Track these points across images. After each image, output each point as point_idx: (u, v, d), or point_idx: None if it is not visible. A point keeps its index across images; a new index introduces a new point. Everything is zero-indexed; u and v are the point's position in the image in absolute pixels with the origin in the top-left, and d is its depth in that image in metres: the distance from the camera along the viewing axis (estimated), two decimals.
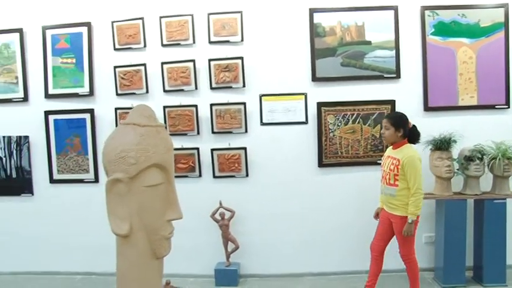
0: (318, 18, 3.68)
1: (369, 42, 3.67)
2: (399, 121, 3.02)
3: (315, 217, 3.82)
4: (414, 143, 3.10)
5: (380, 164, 3.41)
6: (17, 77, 4.07)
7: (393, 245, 3.23)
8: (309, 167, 3.78)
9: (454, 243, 3.49)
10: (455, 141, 3.49)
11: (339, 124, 3.70)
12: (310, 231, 3.85)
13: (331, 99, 3.71)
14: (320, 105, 3.70)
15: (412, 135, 3.07)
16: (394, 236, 3.15)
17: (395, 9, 3.66)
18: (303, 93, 3.74)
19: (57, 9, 4.00)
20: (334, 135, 3.71)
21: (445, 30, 3.68)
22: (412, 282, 3.17)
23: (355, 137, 3.71)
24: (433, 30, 3.68)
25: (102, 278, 3.93)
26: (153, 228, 1.78)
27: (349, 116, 3.70)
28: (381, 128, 3.18)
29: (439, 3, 3.72)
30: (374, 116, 3.68)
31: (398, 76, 3.68)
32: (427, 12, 3.67)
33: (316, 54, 3.68)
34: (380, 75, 3.67)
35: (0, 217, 4.17)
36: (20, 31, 4.04)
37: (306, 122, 3.75)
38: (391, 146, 3.13)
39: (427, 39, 3.67)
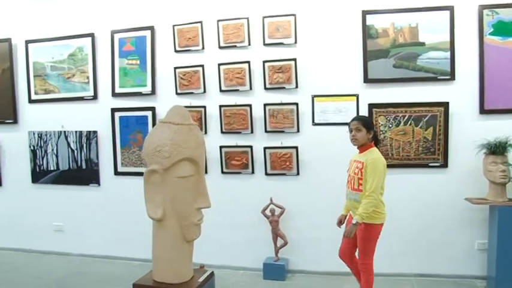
0: (370, 20, 4.00)
1: (423, 44, 3.93)
2: (369, 123, 3.22)
3: None
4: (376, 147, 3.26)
5: (432, 166, 3.85)
6: (88, 77, 4.85)
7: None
8: None
9: (507, 251, 3.61)
10: (511, 146, 3.71)
11: (390, 126, 4.01)
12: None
13: (382, 100, 4.01)
14: (371, 106, 4.02)
15: (376, 140, 3.28)
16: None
17: (451, 9, 3.87)
18: (354, 95, 4.09)
19: (124, 15, 4.66)
20: (385, 137, 4.02)
21: (505, 29, 3.83)
22: None
23: (406, 138, 4.00)
24: (491, 30, 3.84)
25: None
26: (184, 215, 2.19)
27: (400, 118, 3.99)
28: (351, 132, 3.23)
29: (499, 1, 3.85)
30: (426, 118, 3.93)
31: (452, 78, 3.90)
32: (485, 11, 3.84)
33: (368, 55, 4.00)
34: (433, 76, 3.91)
35: (70, 204, 5.00)
36: (92, 35, 4.79)
37: None
38: (358, 151, 3.26)
39: (484, 40, 3.85)
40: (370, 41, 4.05)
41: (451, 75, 3.95)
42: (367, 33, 4.05)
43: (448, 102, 3.96)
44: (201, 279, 2.38)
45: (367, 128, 3.17)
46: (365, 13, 4.06)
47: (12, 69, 5.16)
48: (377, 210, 3.11)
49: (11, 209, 5.28)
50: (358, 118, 3.30)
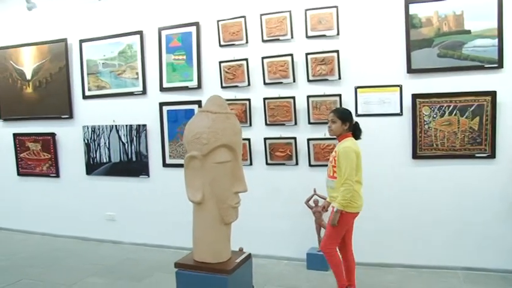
0: (413, 9, 4.14)
1: (468, 32, 4.04)
2: (345, 115, 3.53)
3: (408, 208, 4.31)
4: (357, 139, 3.62)
5: (478, 157, 4.08)
6: (137, 73, 5.31)
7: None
8: (403, 159, 4.30)
9: None
10: None
11: (435, 116, 4.16)
12: (402, 222, 4.34)
13: (426, 90, 4.15)
14: (415, 96, 4.18)
15: (356, 131, 3.61)
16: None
17: None
18: (398, 85, 4.26)
19: (170, 12, 5.05)
20: (429, 127, 4.18)
21: None
22: (335, 275, 3.60)
23: (451, 129, 4.12)
24: None
25: None
26: (222, 198, 2.44)
27: (445, 108, 4.12)
28: (329, 123, 3.60)
29: None
30: (472, 108, 4.04)
31: (500, 66, 3.97)
32: None
33: (411, 45, 4.16)
34: (480, 65, 4.00)
35: (122, 195, 5.52)
36: (140, 33, 5.24)
37: (400, 114, 4.27)
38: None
39: None
40: (414, 30, 4.25)
41: (498, 63, 4.02)
42: (410, 22, 4.23)
43: (495, 91, 4.04)
44: (238, 260, 2.62)
45: (341, 120, 3.52)
46: (408, 2, 4.20)
47: (67, 68, 5.78)
48: (350, 199, 3.41)
49: (68, 199, 5.90)
50: (334, 110, 3.66)
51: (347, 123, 3.55)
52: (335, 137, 3.65)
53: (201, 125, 2.42)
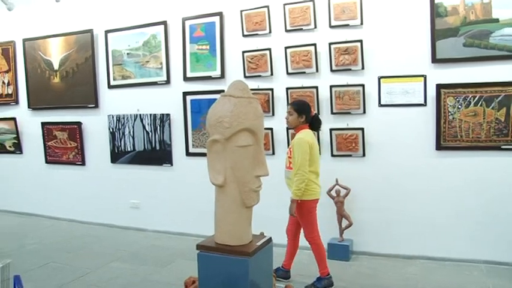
0: None
1: (496, 20, 4.00)
2: (302, 108, 3.72)
3: (431, 199, 4.34)
4: (316, 131, 3.90)
5: (504, 149, 4.08)
6: (161, 63, 5.46)
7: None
8: (427, 150, 4.32)
9: None
10: None
11: (459, 107, 4.16)
12: (425, 214, 4.37)
13: (451, 81, 4.15)
14: (440, 87, 4.18)
15: (314, 123, 3.80)
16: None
17: None
18: (422, 75, 4.27)
19: (194, 2, 5.16)
20: (453, 118, 4.18)
21: None
22: (318, 263, 3.80)
23: (476, 120, 4.11)
24: None
25: None
26: (243, 182, 2.51)
27: (470, 99, 4.11)
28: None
29: None
30: (499, 99, 4.02)
31: None
32: None
33: (436, 35, 4.15)
34: (508, 54, 3.97)
35: (145, 183, 5.68)
36: (164, 23, 5.35)
37: (424, 104, 4.29)
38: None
39: None
40: (439, 19, 4.25)
41: None
42: (436, 11, 4.21)
43: None
44: (259, 243, 2.70)
45: (298, 112, 3.71)
46: None
47: (93, 58, 5.97)
48: (307, 188, 3.60)
49: (94, 186, 6.12)
50: (292, 103, 3.88)
51: (303, 116, 3.72)
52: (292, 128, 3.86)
53: (224, 109, 2.51)
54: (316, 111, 4.09)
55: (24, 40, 6.44)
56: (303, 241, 3.91)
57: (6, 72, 6.65)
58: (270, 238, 2.82)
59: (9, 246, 5.23)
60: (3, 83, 6.64)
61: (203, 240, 2.79)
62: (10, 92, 6.66)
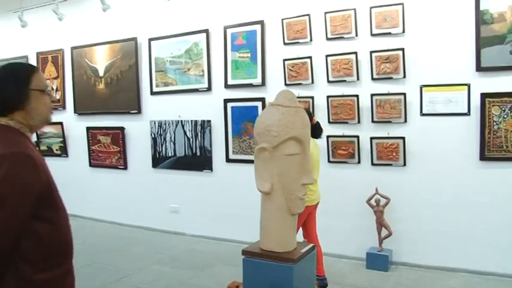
0: (485, 4, 4.10)
1: None
2: None
3: (474, 211, 4.29)
4: (317, 138, 4.02)
5: None
6: (203, 70, 5.63)
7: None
8: (470, 160, 4.29)
9: None
10: None
11: (505, 116, 4.10)
12: (467, 225, 4.32)
13: (497, 89, 4.11)
14: (484, 96, 4.14)
15: (315, 131, 3.88)
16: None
17: None
18: (465, 84, 4.25)
19: (235, 11, 5.32)
20: (499, 128, 4.14)
21: None
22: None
23: None
24: None
25: None
26: (289, 189, 2.58)
27: None
28: None
29: None
30: None
31: None
32: None
33: (481, 42, 4.13)
34: None
35: (185, 188, 5.86)
36: (206, 31, 5.54)
37: (468, 114, 4.26)
38: None
39: None
40: (484, 26, 4.21)
41: None
42: (481, 18, 4.18)
43: None
44: (303, 250, 2.74)
45: None
46: None
47: (137, 65, 6.23)
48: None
49: (135, 190, 6.35)
50: None
51: None
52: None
53: (272, 118, 2.59)
54: (317, 120, 4.18)
55: (72, 48, 6.79)
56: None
57: (55, 78, 7.03)
58: (314, 246, 2.89)
59: None
60: (52, 89, 7.00)
61: (248, 246, 2.88)
62: (58, 97, 7.02)
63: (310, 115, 3.93)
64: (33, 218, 1.62)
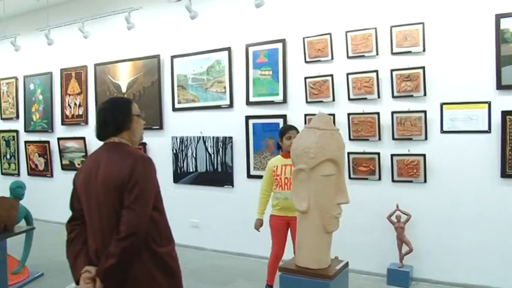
0: (505, 23, 4.23)
1: None
2: None
3: (495, 227, 4.36)
4: None
5: None
6: (225, 87, 5.84)
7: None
8: (491, 177, 4.37)
9: None
10: None
11: None
12: (489, 242, 4.39)
13: None
14: (505, 113, 4.25)
15: None
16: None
17: None
18: (486, 102, 4.36)
19: (257, 30, 5.51)
20: None
21: None
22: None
23: None
24: None
25: None
26: (325, 208, 2.72)
27: None
28: (289, 139, 4.08)
29: None
30: None
31: None
32: None
33: (502, 61, 4.25)
34: None
35: (206, 203, 6.01)
36: (228, 49, 5.74)
37: (489, 131, 4.37)
38: (281, 156, 4.22)
39: None
40: (505, 45, 4.32)
41: None
42: (501, 37, 4.30)
43: None
44: (338, 267, 2.86)
45: None
46: (499, 17, 4.30)
47: (159, 82, 6.46)
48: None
49: None
50: (295, 128, 4.23)
51: None
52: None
53: (309, 141, 2.75)
54: None
55: (96, 65, 7.04)
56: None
57: (78, 94, 7.29)
58: (347, 263, 3.00)
59: None
60: (75, 104, 7.26)
61: (284, 263, 2.99)
62: (81, 113, 7.27)
63: (283, 130, 4.25)
64: (152, 208, 2.21)
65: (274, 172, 4.23)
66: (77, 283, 2.18)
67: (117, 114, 2.32)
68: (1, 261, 4.07)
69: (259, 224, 4.35)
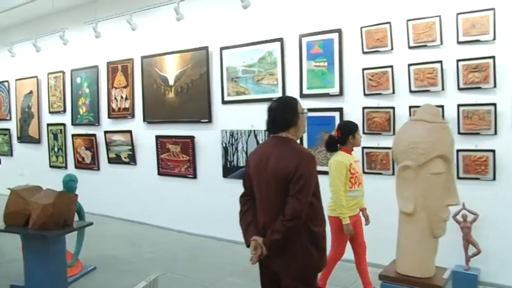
0: None
1: None
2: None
3: None
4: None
5: None
6: (277, 79, 5.72)
7: None
8: None
9: None
10: None
11: None
12: None
13: None
14: None
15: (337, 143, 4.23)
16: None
17: None
18: None
19: (311, 19, 5.38)
20: None
21: None
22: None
23: None
24: None
25: None
26: (434, 210, 2.53)
27: None
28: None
29: None
30: None
31: None
32: None
33: None
34: None
35: None
36: (280, 40, 5.62)
37: None
38: (345, 152, 4.16)
39: None
40: None
41: None
42: None
43: None
44: (445, 276, 2.69)
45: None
46: None
47: (208, 74, 6.41)
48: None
49: (204, 200, 6.50)
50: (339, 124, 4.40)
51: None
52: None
53: (417, 135, 2.57)
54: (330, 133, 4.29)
55: (142, 57, 7.07)
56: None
57: (125, 87, 7.35)
58: (453, 271, 2.81)
59: (129, 254, 5.75)
60: (122, 97, 7.33)
61: (383, 269, 2.83)
62: (127, 106, 7.34)
63: (355, 126, 4.17)
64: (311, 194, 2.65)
65: (350, 170, 4.09)
66: (248, 246, 2.82)
67: (286, 113, 2.81)
68: (62, 255, 4.13)
69: (352, 229, 4.05)
